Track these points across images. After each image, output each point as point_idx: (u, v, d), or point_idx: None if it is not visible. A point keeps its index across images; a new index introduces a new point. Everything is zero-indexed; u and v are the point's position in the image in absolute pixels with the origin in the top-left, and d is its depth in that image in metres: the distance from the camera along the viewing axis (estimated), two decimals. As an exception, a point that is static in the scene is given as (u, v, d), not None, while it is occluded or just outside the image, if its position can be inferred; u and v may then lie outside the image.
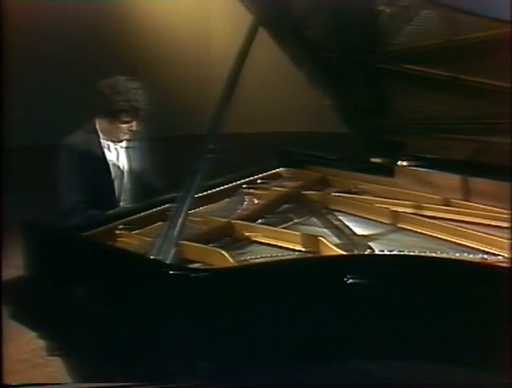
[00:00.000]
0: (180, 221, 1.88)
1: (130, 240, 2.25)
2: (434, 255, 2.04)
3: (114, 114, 2.74)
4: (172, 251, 1.82)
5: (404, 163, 2.80)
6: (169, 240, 1.85)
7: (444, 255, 2.07)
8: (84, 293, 1.94)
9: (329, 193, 2.65)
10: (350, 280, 1.74)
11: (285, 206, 2.60)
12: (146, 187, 2.90)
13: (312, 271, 1.81)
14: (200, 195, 2.60)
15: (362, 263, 1.85)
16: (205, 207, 2.59)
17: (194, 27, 6.15)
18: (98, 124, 2.85)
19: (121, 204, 2.88)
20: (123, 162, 2.92)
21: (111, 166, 2.87)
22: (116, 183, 2.88)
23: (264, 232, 2.24)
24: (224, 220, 2.33)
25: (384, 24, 2.51)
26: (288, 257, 2.03)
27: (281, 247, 2.17)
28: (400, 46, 2.53)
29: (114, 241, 2.25)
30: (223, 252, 2.00)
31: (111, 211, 2.56)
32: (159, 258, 1.82)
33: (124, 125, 2.79)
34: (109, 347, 1.85)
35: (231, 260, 1.97)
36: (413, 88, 2.64)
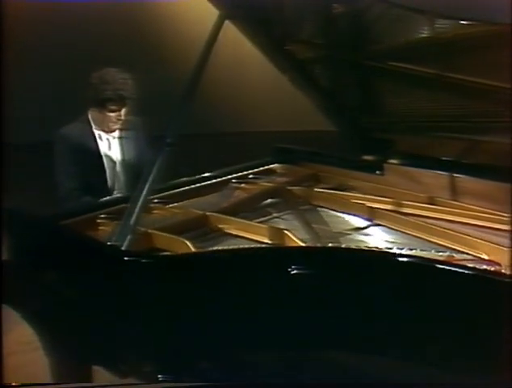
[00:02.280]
0: (137, 210, 1.95)
1: (110, 229, 2.34)
2: (388, 250, 2.05)
3: (102, 103, 2.88)
4: (128, 238, 1.91)
5: (394, 161, 2.80)
6: (126, 228, 1.93)
7: (407, 252, 2.07)
8: (52, 278, 2.05)
9: (313, 189, 2.68)
10: (295, 271, 1.77)
11: (269, 201, 2.64)
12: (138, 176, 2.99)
13: (257, 260, 1.85)
14: (192, 187, 2.75)
15: (306, 255, 1.88)
16: (194, 199, 2.68)
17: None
18: (90, 115, 2.99)
19: (115, 192, 2.98)
20: (116, 152, 3.03)
21: (103, 156, 2.99)
22: (109, 173, 2.99)
23: (235, 225, 2.30)
24: (201, 212, 2.40)
25: (369, 21, 2.53)
26: (235, 247, 2.08)
27: (250, 240, 2.22)
28: (387, 43, 2.55)
29: (95, 229, 2.36)
30: (186, 241, 2.07)
31: (99, 200, 2.68)
32: (116, 244, 1.91)
33: (113, 114, 2.92)
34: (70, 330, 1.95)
35: (193, 249, 2.04)
36: (400, 86, 2.64)
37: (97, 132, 2.99)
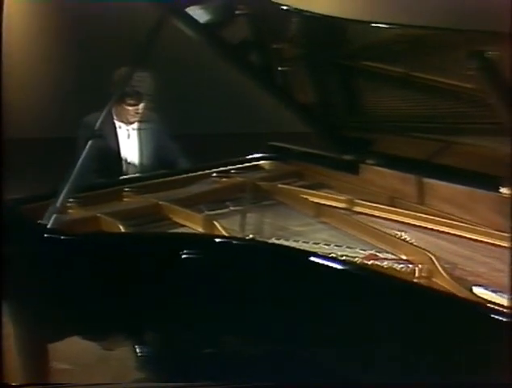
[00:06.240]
0: (63, 194, 2.16)
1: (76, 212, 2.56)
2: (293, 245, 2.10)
3: (121, 97, 3.16)
4: (53, 217, 2.11)
5: (369, 161, 2.80)
6: (53, 208, 2.14)
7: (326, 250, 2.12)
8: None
9: (277, 185, 2.75)
10: (185, 256, 1.89)
11: (236, 194, 2.74)
12: (154, 165, 3.37)
13: (150, 245, 1.99)
14: (171, 179, 2.91)
15: (198, 241, 1.99)
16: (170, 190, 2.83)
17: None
18: (113, 108, 3.28)
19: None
20: (134, 142, 3.40)
21: (120, 144, 3.36)
22: (125, 159, 3.37)
23: (181, 214, 2.43)
24: (154, 201, 2.55)
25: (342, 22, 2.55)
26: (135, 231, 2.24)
27: (190, 228, 2.35)
28: (360, 43, 2.56)
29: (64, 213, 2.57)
30: (119, 225, 2.25)
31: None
32: (43, 222, 2.11)
33: (131, 108, 3.31)
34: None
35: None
36: (372, 85, 2.64)
37: (117, 123, 3.39)
